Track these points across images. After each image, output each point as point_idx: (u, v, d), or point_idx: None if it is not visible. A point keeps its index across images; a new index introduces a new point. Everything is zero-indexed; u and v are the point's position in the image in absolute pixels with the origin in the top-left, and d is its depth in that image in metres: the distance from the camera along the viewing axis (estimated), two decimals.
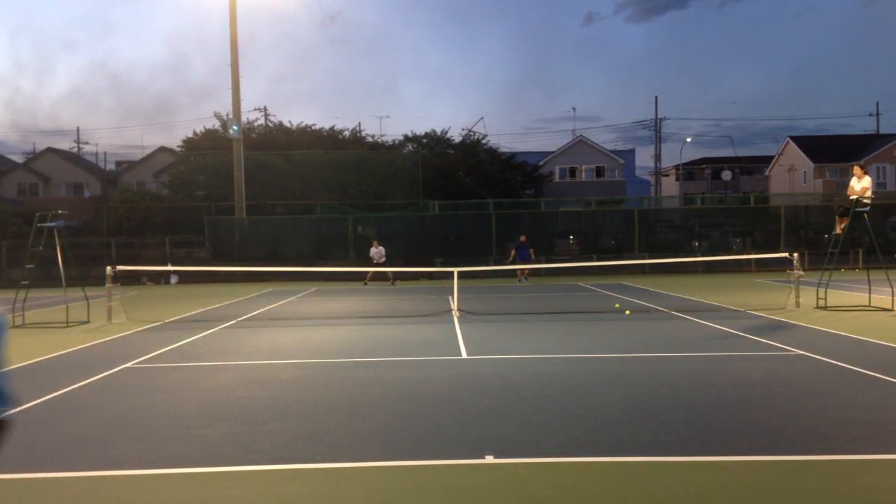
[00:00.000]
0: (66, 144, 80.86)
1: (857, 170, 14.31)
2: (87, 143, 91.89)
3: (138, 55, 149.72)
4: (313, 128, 45.17)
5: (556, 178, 54.24)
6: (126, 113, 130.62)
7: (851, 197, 14.05)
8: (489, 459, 5.12)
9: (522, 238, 25.79)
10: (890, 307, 13.59)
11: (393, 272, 25.41)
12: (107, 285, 15.06)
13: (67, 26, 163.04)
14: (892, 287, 13.83)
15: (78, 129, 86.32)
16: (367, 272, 25.16)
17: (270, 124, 48.00)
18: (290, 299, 19.76)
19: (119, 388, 7.96)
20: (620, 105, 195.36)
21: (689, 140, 67.98)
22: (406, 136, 47.25)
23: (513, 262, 24.77)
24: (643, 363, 8.88)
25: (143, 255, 31.27)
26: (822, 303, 14.18)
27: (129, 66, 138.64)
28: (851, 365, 8.34)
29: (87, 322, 14.32)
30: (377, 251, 25.67)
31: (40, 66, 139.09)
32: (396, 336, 11.74)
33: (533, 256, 25.49)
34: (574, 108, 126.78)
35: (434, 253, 28.98)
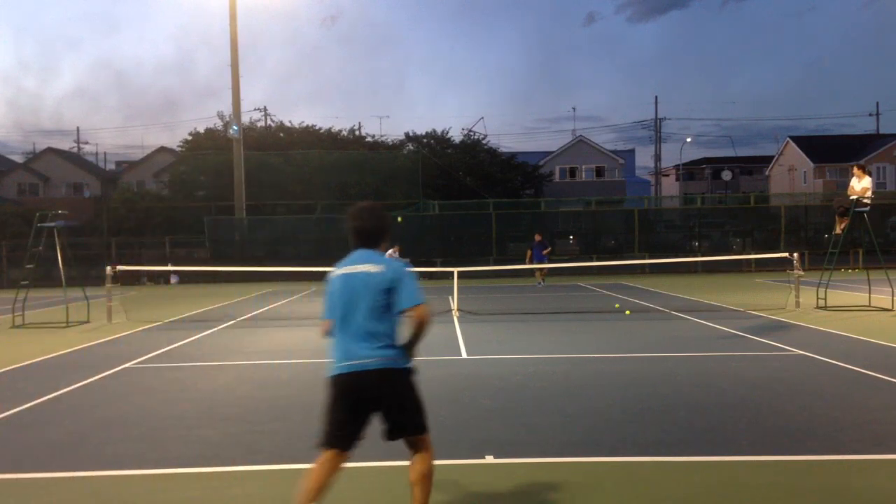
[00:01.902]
0: (66, 144, 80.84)
1: (857, 170, 14.29)
2: (86, 142, 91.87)
3: (140, 55, 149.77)
4: (313, 128, 45.22)
5: (556, 178, 54.25)
6: (127, 112, 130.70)
7: (851, 197, 14.03)
8: (489, 459, 5.12)
9: (538, 237, 24.71)
10: (890, 307, 13.58)
11: None
12: (107, 285, 15.07)
13: (69, 25, 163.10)
14: (892, 287, 13.83)
15: (78, 129, 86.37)
16: None
17: (271, 124, 48.02)
18: (290, 299, 19.76)
19: (119, 388, 7.96)
20: (620, 105, 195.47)
21: (689, 140, 68.06)
22: (406, 136, 47.33)
23: (531, 263, 23.85)
24: (643, 363, 8.88)
25: (143, 255, 31.25)
26: (822, 303, 14.17)
27: (130, 66, 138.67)
28: (851, 365, 8.33)
29: (87, 322, 14.31)
30: (393, 255, 25.11)
31: (40, 65, 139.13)
32: None
33: (544, 254, 24.22)
34: (574, 108, 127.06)
35: (434, 253, 28.96)
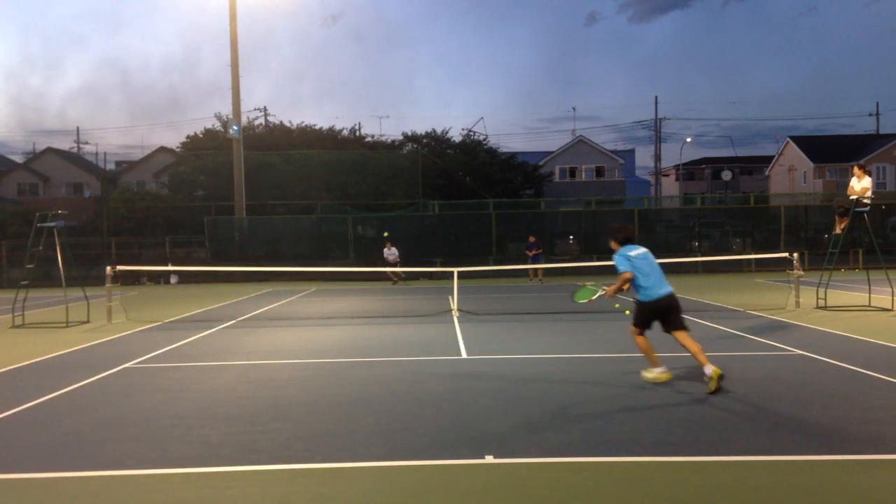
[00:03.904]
0: (66, 144, 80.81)
1: (857, 170, 14.28)
2: (86, 142, 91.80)
3: (141, 54, 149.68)
4: (313, 127, 45.20)
5: (556, 178, 54.28)
6: (129, 112, 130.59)
7: (851, 197, 14.02)
8: (489, 459, 5.12)
9: (532, 238, 25.29)
10: (890, 307, 13.58)
11: (401, 272, 25.57)
12: (107, 285, 15.06)
13: (70, 25, 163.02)
14: (892, 287, 13.83)
15: (78, 129, 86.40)
16: (388, 272, 25.27)
17: (271, 125, 48.00)
18: (290, 299, 19.76)
19: (119, 388, 7.96)
20: (621, 105, 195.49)
21: (689, 140, 68.10)
22: (406, 136, 47.30)
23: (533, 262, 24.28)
24: (643, 363, 8.86)
25: (143, 255, 31.27)
26: (822, 303, 14.17)
27: (132, 66, 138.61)
28: (851, 365, 8.33)
29: (87, 322, 14.32)
30: (390, 252, 25.79)
31: (40, 64, 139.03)
32: (396, 336, 11.74)
33: (532, 254, 24.91)
34: (574, 108, 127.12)
35: (434, 253, 28.95)
